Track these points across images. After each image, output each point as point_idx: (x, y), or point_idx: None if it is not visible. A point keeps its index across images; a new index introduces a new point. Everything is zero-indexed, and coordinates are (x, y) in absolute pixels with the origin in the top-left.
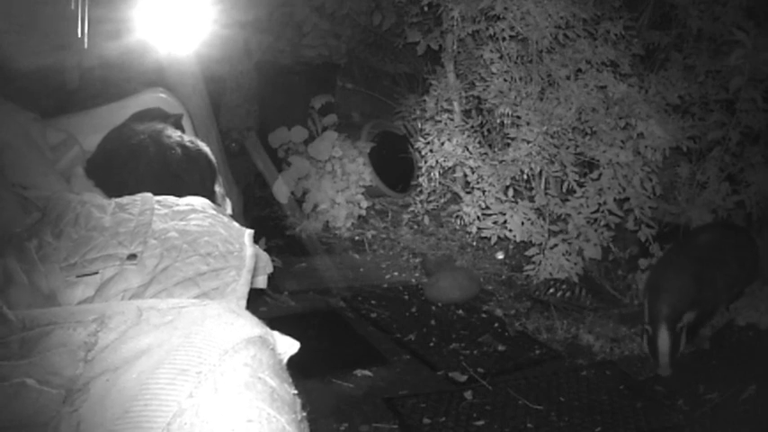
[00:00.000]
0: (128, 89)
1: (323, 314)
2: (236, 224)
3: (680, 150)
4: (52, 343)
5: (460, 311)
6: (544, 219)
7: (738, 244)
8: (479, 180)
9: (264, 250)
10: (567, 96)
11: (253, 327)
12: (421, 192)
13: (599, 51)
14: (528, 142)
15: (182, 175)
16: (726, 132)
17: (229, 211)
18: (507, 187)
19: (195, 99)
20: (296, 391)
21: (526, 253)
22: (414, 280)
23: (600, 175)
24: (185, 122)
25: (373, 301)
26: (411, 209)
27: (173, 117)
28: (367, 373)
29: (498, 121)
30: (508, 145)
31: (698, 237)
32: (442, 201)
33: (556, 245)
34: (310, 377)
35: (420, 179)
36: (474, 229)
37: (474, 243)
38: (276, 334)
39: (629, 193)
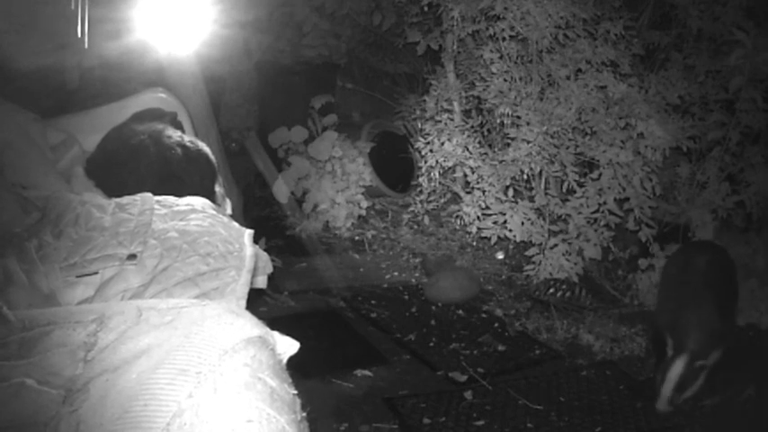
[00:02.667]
0: (128, 89)
1: (323, 314)
2: (235, 224)
3: (680, 150)
4: (52, 343)
5: (460, 311)
6: (544, 219)
7: (726, 263)
8: (479, 180)
9: (264, 250)
10: (567, 96)
11: (252, 327)
12: (421, 192)
13: (599, 51)
14: (528, 142)
15: (182, 176)
16: (726, 132)
17: (229, 211)
18: (507, 187)
19: (195, 99)
20: (296, 392)
21: (526, 253)
22: (414, 280)
23: (600, 175)
24: (184, 122)
25: (373, 301)
26: (411, 209)
27: (168, 115)
28: (367, 373)
29: (498, 121)
30: (508, 145)
31: (699, 259)
32: (442, 201)
33: (556, 245)
34: (310, 377)
35: (420, 179)
36: (474, 229)
37: (474, 243)
38: (276, 334)
39: (629, 193)
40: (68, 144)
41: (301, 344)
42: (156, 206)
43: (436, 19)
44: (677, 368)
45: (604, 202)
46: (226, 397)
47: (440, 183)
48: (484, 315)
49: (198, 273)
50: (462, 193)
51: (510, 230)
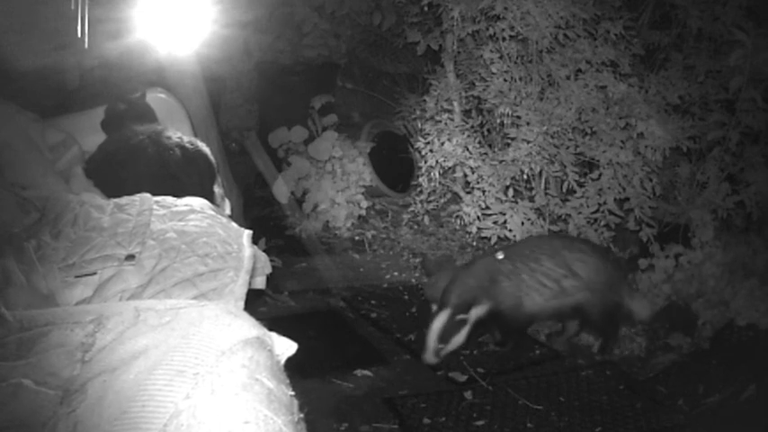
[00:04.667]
0: (128, 89)
1: (323, 314)
2: (234, 225)
3: (680, 150)
4: (50, 344)
5: None
6: (544, 219)
7: (588, 260)
8: (479, 180)
9: (264, 250)
10: (567, 96)
11: (250, 328)
12: (421, 192)
13: (599, 51)
14: (528, 142)
15: (180, 176)
16: (726, 132)
17: (228, 211)
18: (507, 187)
19: (195, 99)
20: (293, 393)
21: None
22: (414, 280)
23: (600, 175)
24: (183, 122)
25: (373, 301)
26: (411, 209)
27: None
28: (367, 373)
29: (498, 121)
30: (508, 145)
31: (532, 242)
32: (442, 201)
33: None
34: (310, 377)
35: (420, 179)
36: (474, 229)
37: (474, 243)
38: (274, 335)
39: (629, 193)
40: (68, 144)
41: (301, 344)
42: (155, 207)
43: (436, 19)
44: (439, 321)
45: (604, 202)
46: (223, 398)
47: (440, 183)
48: None
49: (196, 273)
50: (462, 193)
51: (510, 230)
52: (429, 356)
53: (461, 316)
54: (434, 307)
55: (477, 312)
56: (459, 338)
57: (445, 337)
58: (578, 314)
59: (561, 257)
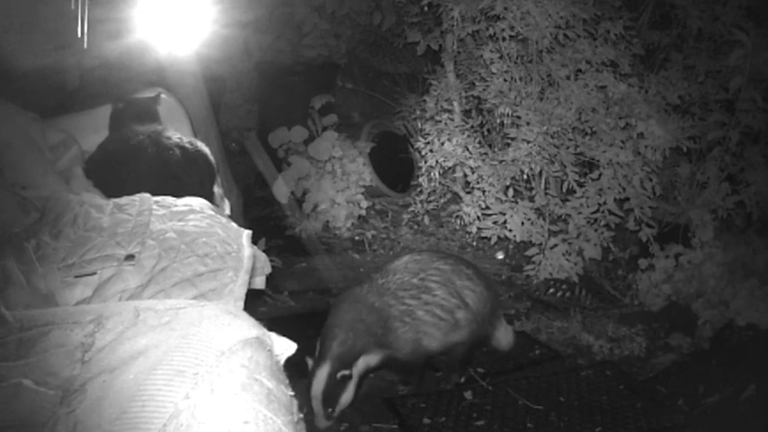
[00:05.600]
0: (128, 89)
1: (323, 314)
2: (234, 225)
3: (680, 150)
4: (50, 344)
5: None
6: (544, 219)
7: (476, 289)
8: (479, 180)
9: (264, 250)
10: (567, 96)
11: (250, 328)
12: (421, 192)
13: (599, 51)
14: (528, 142)
15: (180, 176)
16: (726, 132)
17: (228, 211)
18: (507, 187)
19: (195, 99)
20: (293, 393)
21: (526, 253)
22: None
23: (600, 175)
24: (183, 122)
25: None
26: (411, 209)
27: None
28: None
29: (498, 121)
30: (508, 145)
31: (401, 263)
32: (442, 201)
33: (556, 245)
34: None
35: (420, 179)
36: (474, 229)
37: (474, 243)
38: (273, 335)
39: (629, 193)
40: (68, 144)
41: (301, 344)
42: (155, 206)
43: (436, 19)
44: (319, 382)
45: (604, 202)
46: (223, 398)
47: (440, 183)
48: None
49: (196, 273)
50: (462, 193)
51: (510, 230)
52: (320, 421)
53: (344, 372)
54: (310, 362)
55: (366, 362)
56: (348, 396)
57: (331, 399)
58: (454, 347)
59: (453, 286)
